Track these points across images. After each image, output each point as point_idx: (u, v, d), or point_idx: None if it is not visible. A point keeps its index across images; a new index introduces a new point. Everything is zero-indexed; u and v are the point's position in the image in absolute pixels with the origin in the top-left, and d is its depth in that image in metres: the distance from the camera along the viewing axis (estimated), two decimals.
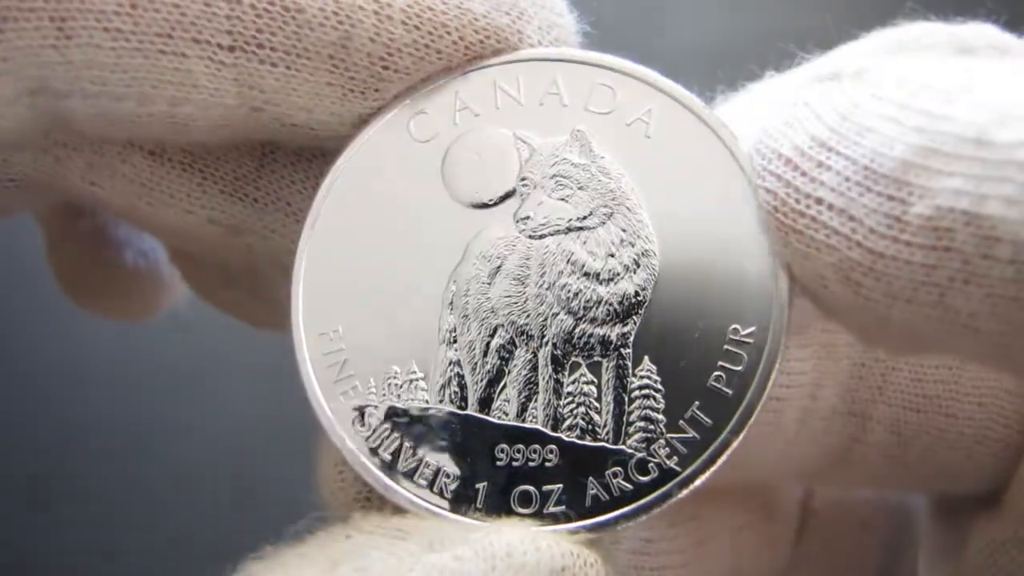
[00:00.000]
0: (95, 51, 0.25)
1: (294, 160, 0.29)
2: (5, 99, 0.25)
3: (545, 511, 0.24)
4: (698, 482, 0.24)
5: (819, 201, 0.22)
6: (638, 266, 0.25)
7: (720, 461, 0.24)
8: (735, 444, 0.24)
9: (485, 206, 0.26)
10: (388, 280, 0.26)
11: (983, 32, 0.27)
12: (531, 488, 0.24)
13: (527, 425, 0.25)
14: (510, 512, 0.24)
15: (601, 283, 0.25)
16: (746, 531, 0.32)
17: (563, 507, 0.24)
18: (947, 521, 0.32)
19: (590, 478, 0.24)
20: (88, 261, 0.37)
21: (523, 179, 0.26)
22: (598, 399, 0.25)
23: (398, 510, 0.25)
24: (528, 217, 0.26)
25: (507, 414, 0.25)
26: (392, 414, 0.25)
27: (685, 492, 0.24)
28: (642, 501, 0.24)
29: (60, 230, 0.37)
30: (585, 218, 0.26)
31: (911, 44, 0.27)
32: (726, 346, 0.24)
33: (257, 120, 0.26)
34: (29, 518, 0.63)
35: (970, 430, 0.30)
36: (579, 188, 0.26)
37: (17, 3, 0.24)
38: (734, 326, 0.24)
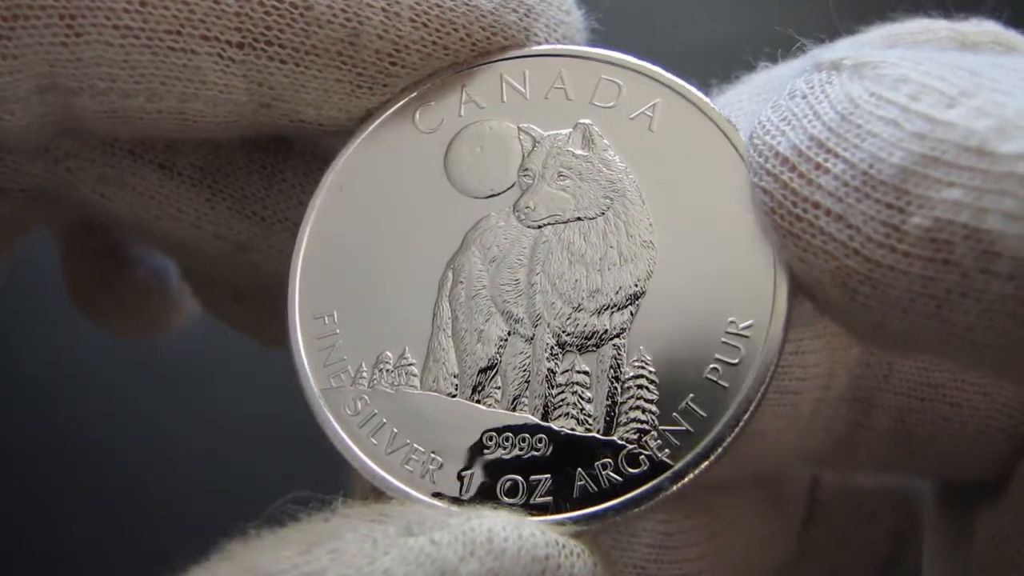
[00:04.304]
0: (104, 48, 0.25)
1: (303, 180, 0.30)
2: (16, 96, 0.25)
3: (532, 501, 0.24)
4: (690, 476, 0.23)
5: (816, 205, 0.21)
6: (637, 257, 0.25)
7: (714, 456, 0.23)
8: (730, 439, 0.23)
9: (486, 197, 0.26)
10: (385, 267, 0.26)
11: (986, 28, 0.27)
12: (519, 478, 0.24)
13: (518, 414, 0.25)
14: (497, 501, 0.24)
15: (599, 273, 0.25)
16: (758, 522, 0.32)
17: (550, 498, 0.24)
18: (952, 513, 0.32)
19: (579, 469, 0.24)
20: (100, 277, 0.38)
21: (525, 170, 0.26)
22: (591, 389, 0.25)
23: (382, 496, 0.25)
24: (528, 207, 0.26)
25: (498, 402, 0.25)
26: (381, 399, 0.25)
27: (677, 487, 0.23)
28: (632, 494, 0.23)
29: (74, 246, 0.37)
30: (586, 209, 0.25)
31: (912, 40, 0.27)
32: (723, 339, 0.24)
33: (266, 116, 0.26)
34: (29, 518, 0.63)
35: (974, 419, 0.30)
36: (580, 179, 0.26)
37: (27, 1, 0.24)
38: (731, 319, 0.24)
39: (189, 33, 0.25)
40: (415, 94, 0.26)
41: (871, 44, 0.27)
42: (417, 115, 0.27)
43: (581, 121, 0.26)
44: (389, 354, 0.25)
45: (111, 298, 0.38)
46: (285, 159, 0.30)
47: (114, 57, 0.25)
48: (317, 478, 0.26)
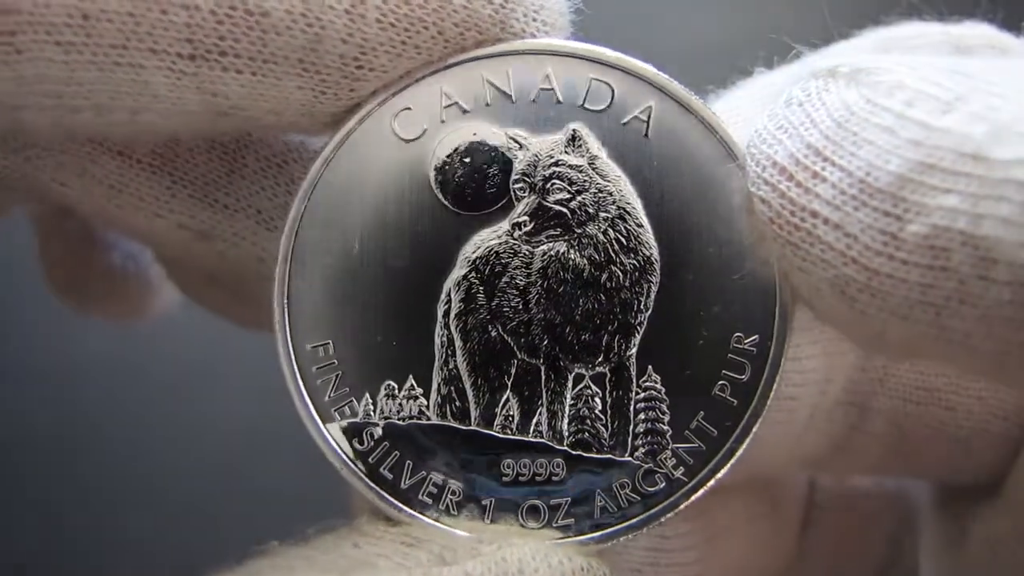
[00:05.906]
0: (47, 65, 0.24)
1: (265, 166, 0.29)
2: None
3: (554, 524, 0.24)
4: (703, 491, 0.24)
5: (814, 214, 0.22)
6: (639, 273, 0.25)
7: (724, 470, 0.24)
8: (740, 452, 0.24)
9: (478, 209, 0.25)
10: (379, 291, 0.25)
11: (980, 31, 0.27)
12: (539, 502, 0.24)
13: (532, 439, 0.25)
14: (519, 525, 0.24)
15: (603, 291, 0.25)
16: (754, 525, 0.32)
17: (572, 520, 0.24)
18: (948, 514, 0.32)
19: (597, 491, 0.24)
20: (76, 261, 0.37)
21: (517, 181, 0.25)
22: (603, 410, 0.25)
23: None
24: (524, 222, 0.25)
25: (511, 428, 0.25)
26: (392, 431, 0.25)
27: (692, 500, 0.24)
28: (650, 512, 0.24)
29: (50, 229, 0.36)
30: (583, 223, 0.25)
31: (906, 44, 0.27)
32: (730, 355, 0.24)
33: (225, 123, 0.25)
34: (29, 518, 0.63)
35: (969, 423, 0.30)
36: (577, 191, 0.25)
37: None
38: (737, 334, 0.24)
39: (136, 47, 0.24)
40: (389, 99, 0.25)
41: (866, 49, 0.27)
42: (395, 123, 0.25)
43: (574, 127, 0.25)
44: (394, 384, 0.25)
45: (86, 281, 0.37)
46: (246, 145, 0.29)
47: (57, 74, 0.24)
48: (317, 478, 0.26)
